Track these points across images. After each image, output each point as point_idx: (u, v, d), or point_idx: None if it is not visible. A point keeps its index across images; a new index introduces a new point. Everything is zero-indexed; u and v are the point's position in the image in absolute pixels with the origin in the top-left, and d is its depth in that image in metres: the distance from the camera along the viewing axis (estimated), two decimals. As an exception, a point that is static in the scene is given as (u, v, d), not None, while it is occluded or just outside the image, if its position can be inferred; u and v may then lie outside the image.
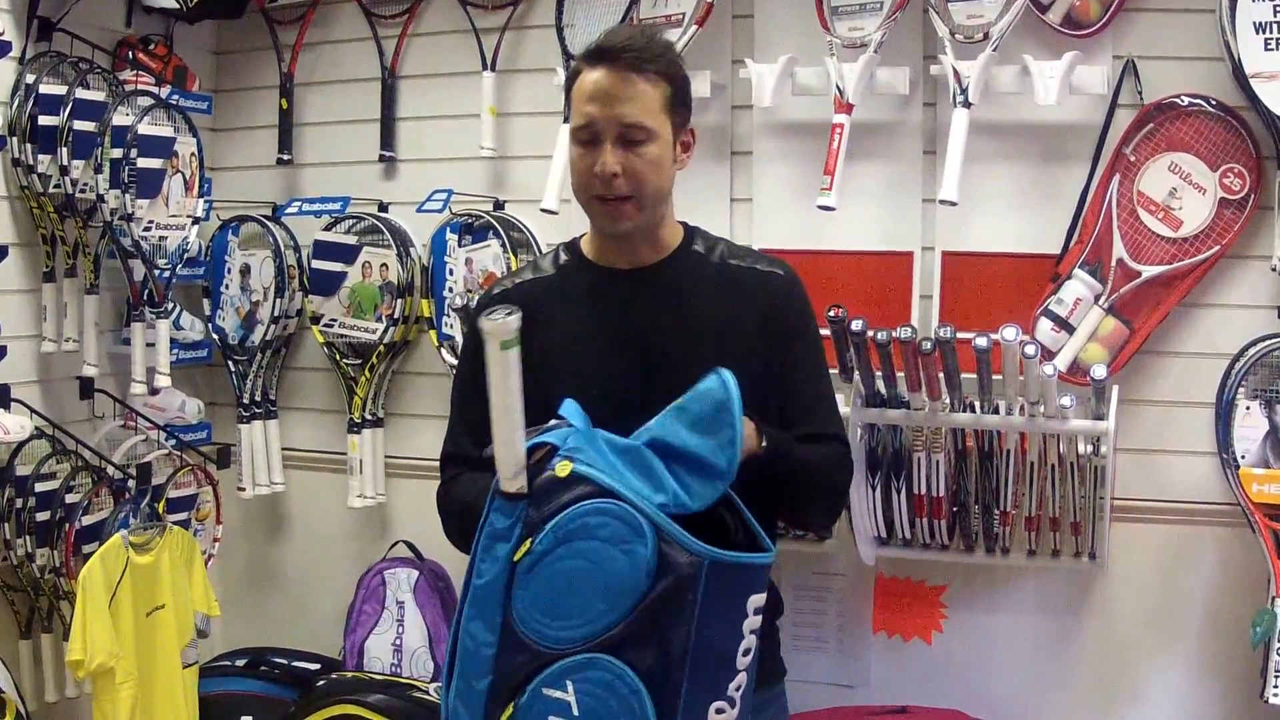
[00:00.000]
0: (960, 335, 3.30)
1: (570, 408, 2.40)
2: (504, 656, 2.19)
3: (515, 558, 2.18)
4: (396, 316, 4.30)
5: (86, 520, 3.80)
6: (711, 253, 2.69)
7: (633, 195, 2.52)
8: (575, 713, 2.12)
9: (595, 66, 2.52)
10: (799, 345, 2.66)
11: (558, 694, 2.13)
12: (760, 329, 2.61)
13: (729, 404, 2.25)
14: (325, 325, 4.40)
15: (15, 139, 3.80)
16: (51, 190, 3.84)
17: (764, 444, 2.43)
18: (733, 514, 2.32)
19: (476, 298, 2.83)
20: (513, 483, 2.19)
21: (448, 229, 4.26)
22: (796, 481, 2.52)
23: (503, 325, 2.12)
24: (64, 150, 3.80)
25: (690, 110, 2.64)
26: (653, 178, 2.53)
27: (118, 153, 3.85)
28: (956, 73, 3.51)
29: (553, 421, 2.38)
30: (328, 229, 4.42)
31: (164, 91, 4.14)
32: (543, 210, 3.84)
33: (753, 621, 2.21)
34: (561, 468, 2.20)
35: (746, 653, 2.22)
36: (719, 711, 2.19)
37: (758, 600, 2.21)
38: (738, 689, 2.22)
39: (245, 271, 4.49)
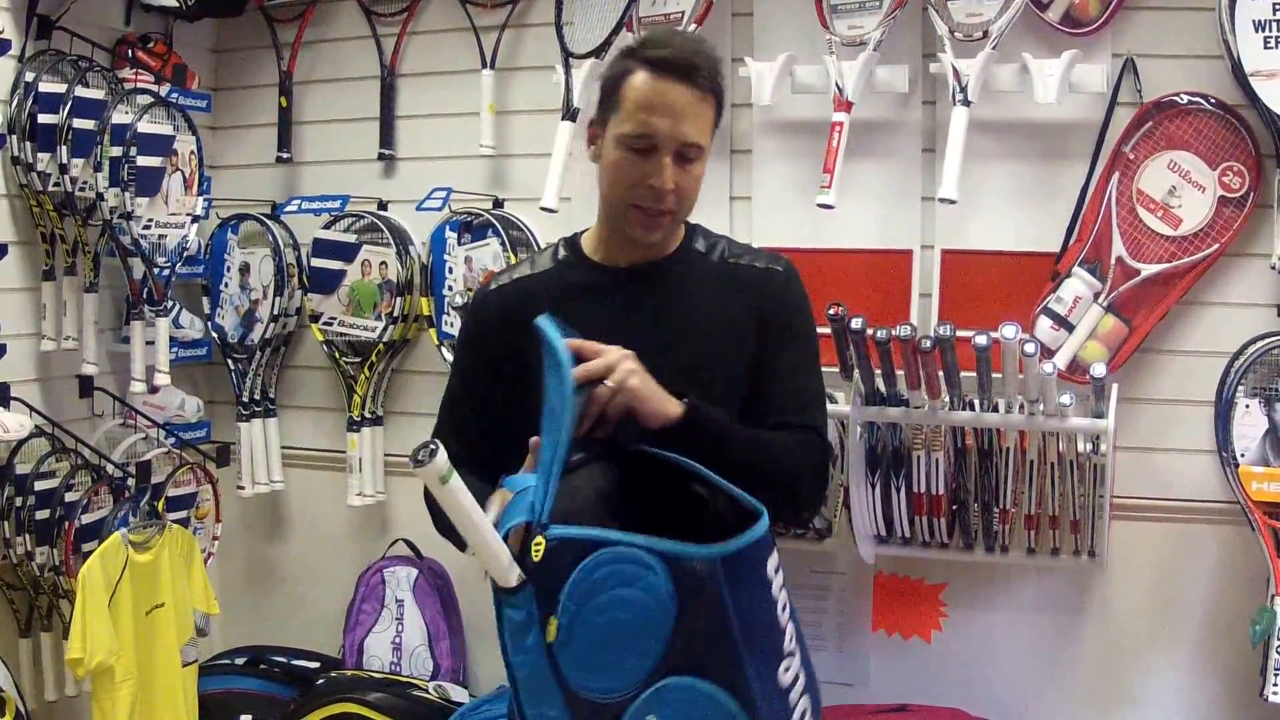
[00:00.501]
0: (960, 333, 3.30)
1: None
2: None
3: (548, 639, 2.17)
4: (396, 315, 4.30)
5: (86, 519, 3.80)
6: (711, 251, 2.70)
7: (676, 211, 2.55)
8: None
9: (660, 77, 2.49)
10: (788, 338, 2.67)
11: None
12: (756, 325, 2.63)
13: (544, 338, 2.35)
14: (325, 323, 4.40)
15: (15, 137, 3.80)
16: (51, 188, 3.84)
17: (685, 402, 2.43)
18: (707, 486, 2.35)
19: (485, 285, 2.81)
20: (508, 578, 2.18)
21: (447, 227, 4.26)
22: (737, 460, 2.45)
23: (432, 466, 2.09)
24: (63, 148, 3.80)
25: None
26: (695, 192, 2.57)
27: (117, 151, 3.85)
28: (956, 71, 3.51)
29: (503, 484, 2.37)
30: (327, 227, 4.42)
31: (163, 89, 4.15)
32: (542, 208, 3.84)
33: (778, 580, 2.24)
34: (537, 549, 2.17)
35: (784, 608, 2.25)
36: (786, 669, 2.24)
37: (774, 560, 2.24)
38: (791, 639, 2.26)
39: (245, 270, 4.49)
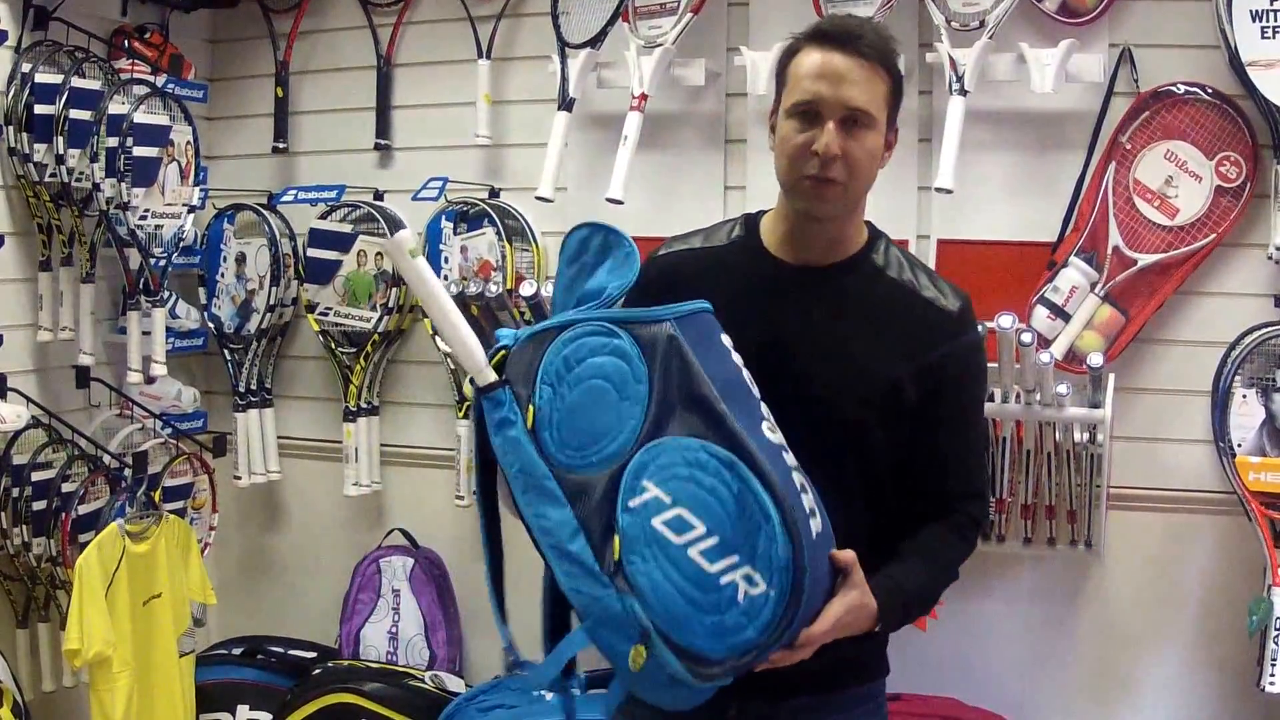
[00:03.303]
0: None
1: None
2: (579, 507, 2.17)
3: (529, 425, 2.19)
4: (391, 305, 4.30)
5: (83, 509, 3.80)
6: (888, 268, 2.54)
7: (843, 180, 2.41)
8: (668, 500, 2.13)
9: (824, 48, 2.42)
10: (951, 397, 2.49)
11: (643, 497, 2.14)
12: (914, 371, 2.45)
13: (595, 235, 2.39)
14: (320, 313, 4.39)
15: (11, 128, 3.80)
16: (47, 179, 3.83)
17: (878, 626, 2.35)
18: None
19: (655, 250, 2.71)
20: (483, 376, 2.22)
21: (443, 217, 4.26)
22: (929, 605, 2.52)
23: (398, 238, 2.17)
24: (60, 139, 3.79)
25: (899, 108, 2.52)
26: (866, 166, 2.43)
27: (113, 141, 3.84)
28: (952, 60, 3.50)
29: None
30: (323, 217, 4.41)
31: (160, 80, 4.14)
32: (538, 198, 3.85)
33: (736, 355, 2.29)
34: (498, 357, 2.25)
35: (753, 383, 2.29)
36: (771, 430, 2.25)
37: (727, 340, 2.30)
38: (768, 415, 2.27)
39: (241, 260, 4.48)
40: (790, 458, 2.24)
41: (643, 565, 2.12)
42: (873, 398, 2.43)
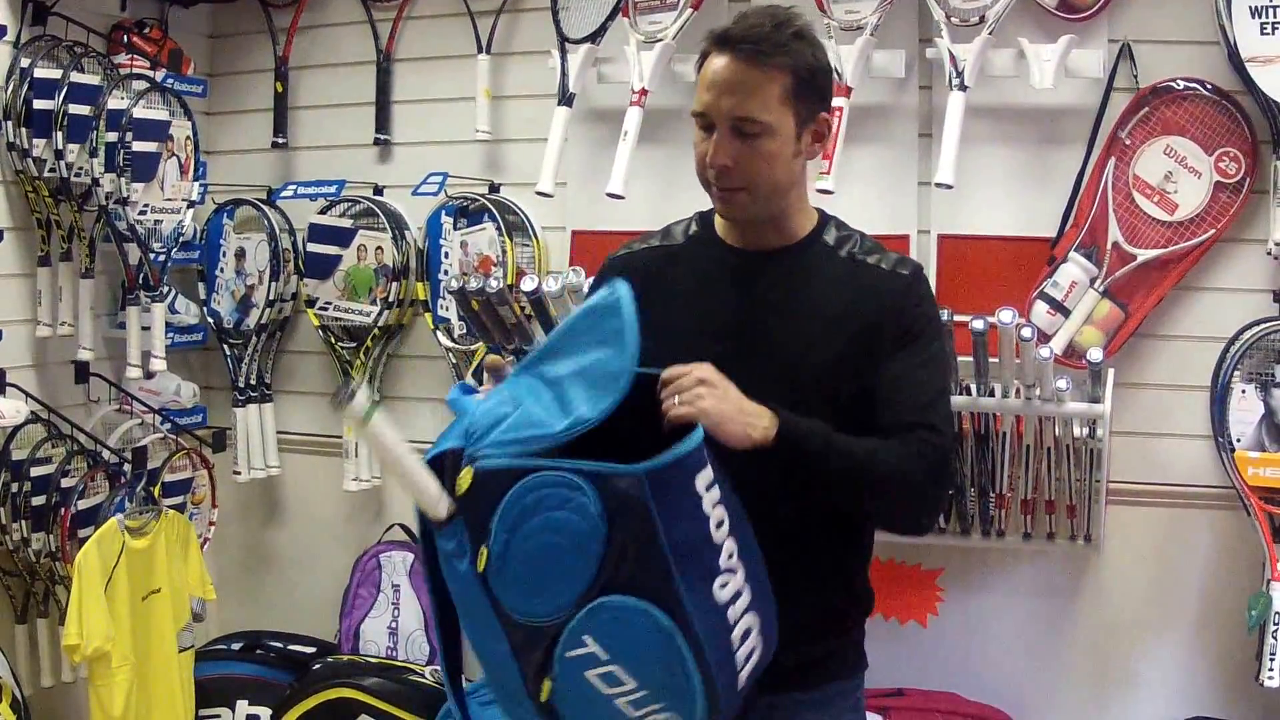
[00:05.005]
0: (956, 318, 3.31)
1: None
2: (518, 647, 2.20)
3: (480, 568, 2.18)
4: (391, 300, 4.30)
5: (82, 504, 3.80)
6: (840, 246, 2.57)
7: (745, 187, 2.44)
8: (605, 657, 2.14)
9: (721, 53, 2.43)
10: (907, 342, 2.50)
11: (581, 651, 2.14)
12: (872, 332, 2.48)
13: (617, 307, 2.24)
14: (320, 308, 4.39)
15: (10, 123, 3.79)
16: (47, 174, 3.83)
17: (779, 421, 2.33)
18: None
19: (615, 251, 2.72)
20: (438, 510, 2.20)
21: (443, 212, 4.26)
22: (840, 474, 2.40)
23: (352, 409, 2.10)
24: (59, 134, 3.79)
25: (823, 98, 2.52)
26: (766, 171, 2.43)
27: (113, 136, 3.84)
28: (952, 56, 3.50)
29: (454, 392, 2.36)
30: (323, 212, 4.42)
31: (159, 75, 4.14)
32: (538, 193, 3.84)
33: (710, 496, 2.20)
34: (462, 481, 2.19)
35: (720, 524, 2.21)
36: (722, 585, 2.20)
37: (705, 476, 2.20)
38: (730, 556, 2.22)
39: (240, 255, 4.48)
40: (740, 604, 2.23)
41: (570, 709, 2.19)
42: (836, 364, 2.45)
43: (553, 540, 2.14)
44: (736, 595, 2.23)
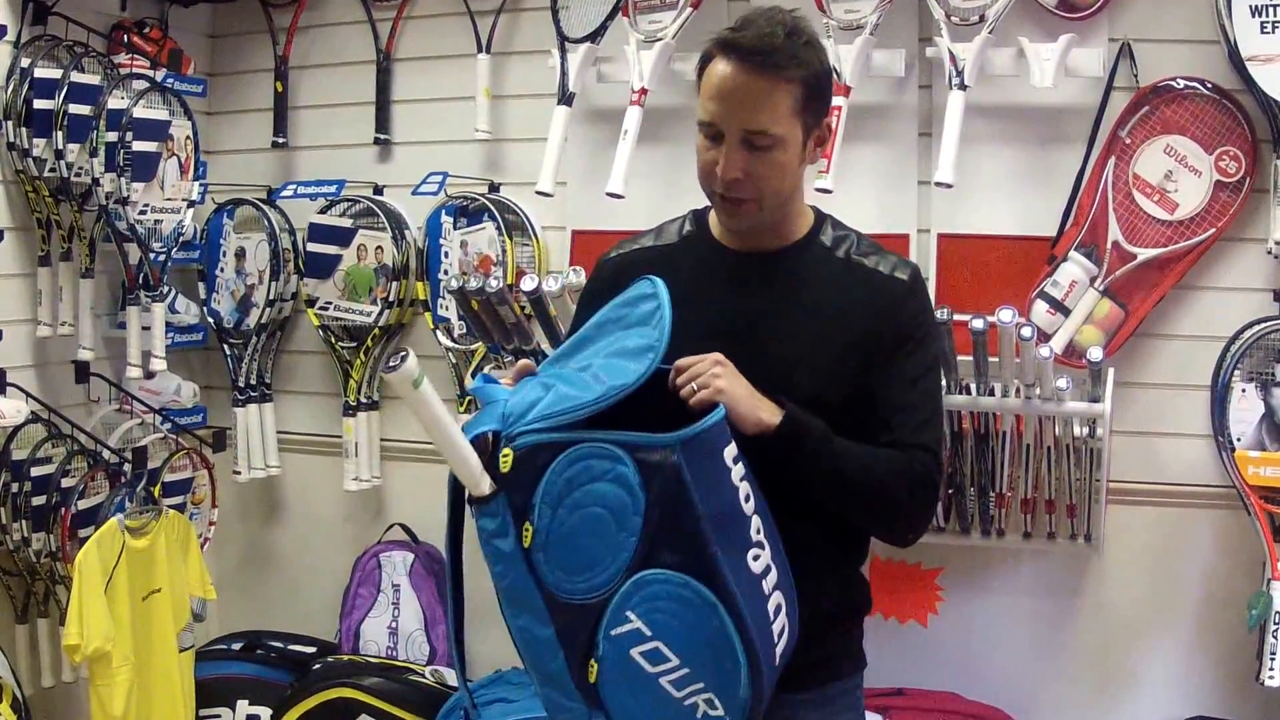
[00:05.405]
0: (956, 317, 3.31)
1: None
2: (563, 629, 2.21)
3: (525, 545, 2.19)
4: (391, 299, 4.30)
5: (82, 504, 3.80)
6: (837, 246, 2.57)
7: (754, 198, 2.44)
8: (649, 633, 2.17)
9: (729, 60, 2.40)
10: (901, 354, 2.51)
11: (626, 628, 2.17)
12: (869, 339, 2.49)
13: (653, 294, 2.31)
14: (320, 308, 4.39)
15: (10, 123, 3.80)
16: (47, 174, 3.84)
17: (785, 411, 2.36)
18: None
19: (607, 253, 2.75)
20: (480, 488, 2.20)
21: (443, 212, 4.26)
22: (829, 476, 2.43)
23: (403, 371, 2.08)
24: (59, 134, 3.80)
25: (827, 103, 2.51)
26: (775, 182, 2.44)
27: (113, 136, 3.84)
28: (952, 55, 3.50)
29: (478, 382, 2.37)
30: (323, 212, 4.41)
31: (159, 75, 4.14)
32: (538, 193, 3.84)
33: (737, 470, 2.25)
34: (505, 460, 2.20)
35: (748, 498, 2.26)
36: (755, 558, 2.25)
37: (731, 450, 2.25)
38: (758, 531, 2.27)
39: (240, 255, 4.48)
40: (770, 579, 2.28)
41: (614, 690, 2.21)
42: (831, 367, 2.46)
43: (596, 512, 2.17)
44: (767, 570, 2.27)
